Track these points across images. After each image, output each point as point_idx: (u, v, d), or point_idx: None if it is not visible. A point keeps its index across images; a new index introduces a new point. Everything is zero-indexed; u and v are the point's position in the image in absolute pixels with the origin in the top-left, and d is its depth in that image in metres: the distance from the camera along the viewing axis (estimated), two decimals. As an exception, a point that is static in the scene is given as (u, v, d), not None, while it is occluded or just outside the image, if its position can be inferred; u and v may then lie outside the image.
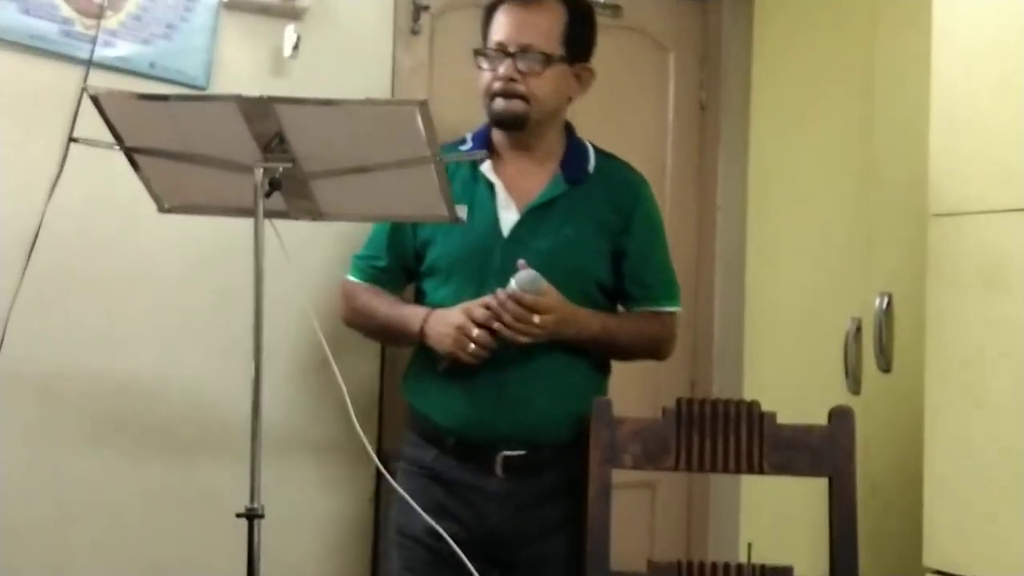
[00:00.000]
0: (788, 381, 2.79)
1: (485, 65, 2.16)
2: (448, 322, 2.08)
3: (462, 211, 1.88)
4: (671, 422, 2.12)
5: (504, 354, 2.08)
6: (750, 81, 2.98)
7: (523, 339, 2.04)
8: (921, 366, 2.07)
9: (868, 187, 2.64)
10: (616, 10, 2.90)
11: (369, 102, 1.82)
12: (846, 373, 2.61)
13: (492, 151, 2.21)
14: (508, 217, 2.16)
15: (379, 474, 2.45)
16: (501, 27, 2.14)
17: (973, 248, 1.95)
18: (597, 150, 2.25)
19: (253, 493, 1.70)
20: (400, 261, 2.24)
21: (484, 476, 2.12)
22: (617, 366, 2.29)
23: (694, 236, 2.97)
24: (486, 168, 2.19)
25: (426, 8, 2.68)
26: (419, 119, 1.67)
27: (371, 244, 2.27)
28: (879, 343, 2.54)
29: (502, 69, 2.12)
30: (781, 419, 2.12)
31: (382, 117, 1.74)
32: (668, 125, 3.02)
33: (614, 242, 2.17)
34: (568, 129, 2.25)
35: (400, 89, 2.63)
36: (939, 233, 2.01)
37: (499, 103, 2.13)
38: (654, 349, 2.25)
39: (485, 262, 2.11)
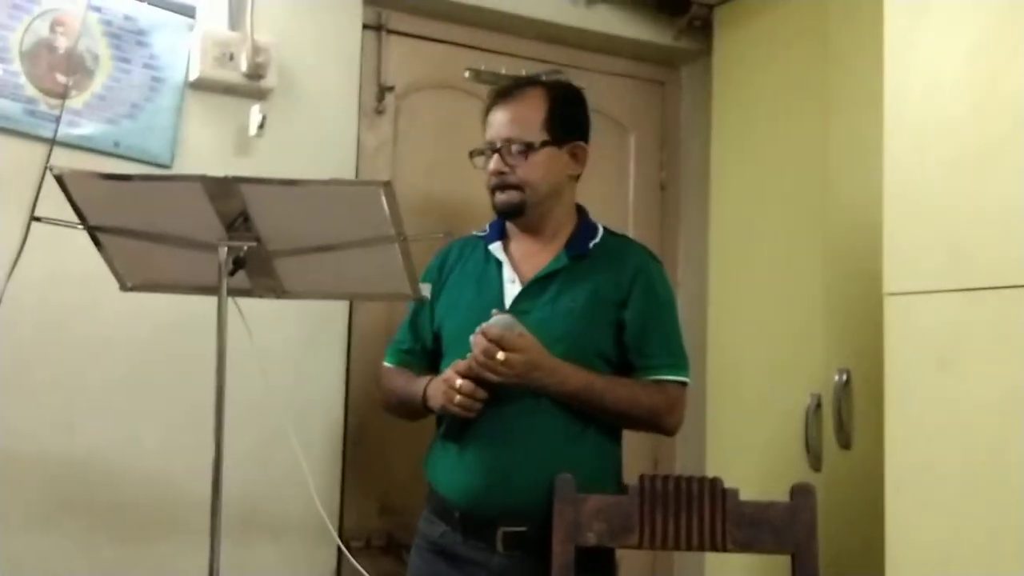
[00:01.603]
0: (750, 458, 2.79)
1: (480, 164, 2.24)
2: (439, 379, 2.13)
3: (425, 290, 1.89)
4: (635, 499, 2.12)
5: (507, 425, 2.09)
6: (708, 161, 3.04)
7: (492, 377, 2.05)
8: (881, 442, 2.08)
9: (826, 265, 2.66)
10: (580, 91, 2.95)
11: (333, 182, 1.84)
12: (807, 450, 2.62)
13: (505, 235, 2.29)
14: (512, 290, 2.20)
15: (340, 553, 2.43)
16: (490, 126, 2.22)
17: (926, 327, 1.97)
18: (608, 231, 2.31)
19: (213, 574, 1.67)
20: (422, 342, 2.31)
21: (487, 552, 2.11)
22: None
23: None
24: (495, 248, 2.26)
25: (390, 89, 2.73)
26: (383, 199, 1.69)
27: (401, 329, 2.36)
28: (838, 419, 2.55)
29: (492, 164, 2.19)
30: (743, 496, 2.13)
31: (347, 197, 1.75)
32: (629, 204, 3.08)
33: (615, 313, 2.19)
34: (580, 211, 2.31)
35: (365, 168, 2.67)
36: (893, 312, 2.03)
37: (497, 196, 2.20)
38: (653, 419, 2.19)
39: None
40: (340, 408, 2.62)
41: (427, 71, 2.80)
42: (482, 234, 2.30)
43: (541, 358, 2.09)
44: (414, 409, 2.24)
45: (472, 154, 2.26)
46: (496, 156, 2.18)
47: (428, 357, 2.31)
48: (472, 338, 2.06)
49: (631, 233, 2.95)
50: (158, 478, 2.34)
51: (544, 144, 2.19)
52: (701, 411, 2.93)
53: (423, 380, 2.21)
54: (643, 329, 2.20)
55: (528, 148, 2.17)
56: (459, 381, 2.07)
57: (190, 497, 2.15)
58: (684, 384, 2.23)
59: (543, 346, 2.09)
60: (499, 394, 2.09)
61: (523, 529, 2.10)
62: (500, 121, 2.19)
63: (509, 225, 2.28)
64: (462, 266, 2.28)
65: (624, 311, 2.19)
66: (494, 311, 2.08)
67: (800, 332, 2.74)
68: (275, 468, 2.42)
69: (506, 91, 2.24)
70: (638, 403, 2.17)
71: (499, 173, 2.17)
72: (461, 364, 2.08)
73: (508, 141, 2.17)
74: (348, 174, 2.61)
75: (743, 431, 2.88)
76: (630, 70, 3.09)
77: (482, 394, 2.07)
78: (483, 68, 2.85)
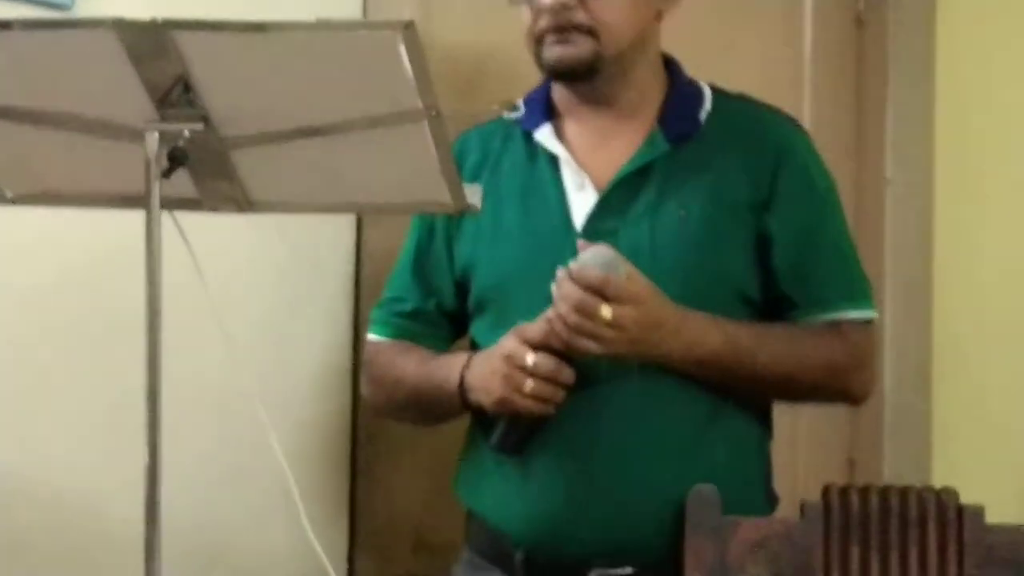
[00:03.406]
0: (1000, 463, 2.81)
1: None
2: (494, 356, 2.13)
3: (474, 194, 1.90)
4: (816, 523, 2.13)
5: (600, 419, 2.11)
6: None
7: (591, 346, 2.05)
8: None
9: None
10: None
11: (324, 25, 1.84)
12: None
13: (554, 113, 2.27)
14: (583, 201, 2.21)
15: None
16: None
17: None
18: (719, 91, 2.30)
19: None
20: (436, 299, 2.33)
21: None
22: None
23: (849, 226, 2.98)
24: (544, 135, 2.25)
25: None
26: (403, 51, 1.68)
27: (392, 283, 2.37)
28: None
29: None
30: (991, 517, 2.13)
31: (345, 49, 1.74)
32: (805, 54, 3.05)
33: (755, 223, 2.20)
34: (670, 66, 2.31)
35: (376, 2, 2.68)
36: None
37: (552, 48, 2.18)
38: (832, 382, 2.23)
39: (551, 275, 2.11)
40: (345, 390, 2.66)
41: None
42: (516, 115, 2.29)
43: (663, 310, 2.10)
44: (439, 408, 2.27)
45: None
46: None
47: (448, 323, 2.33)
48: (555, 288, 2.06)
49: (808, 103, 2.97)
50: (70, 501, 2.40)
51: None
52: (924, 386, 2.93)
53: (454, 358, 2.23)
54: (804, 244, 2.21)
55: None
56: (532, 357, 2.07)
57: (116, 528, 2.20)
58: (871, 323, 2.26)
59: (660, 291, 2.10)
60: (588, 373, 2.10)
61: (629, 572, 2.13)
62: None
63: (561, 97, 2.28)
64: (492, 171, 2.28)
65: (768, 218, 2.20)
66: (581, 243, 2.09)
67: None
68: (247, 485, 2.48)
69: None
70: (807, 360, 2.18)
71: (560, 8, 2.16)
72: (532, 329, 2.08)
73: None
74: (351, 12, 2.63)
75: (988, 418, 2.89)
76: None
77: (569, 375, 2.08)
78: None
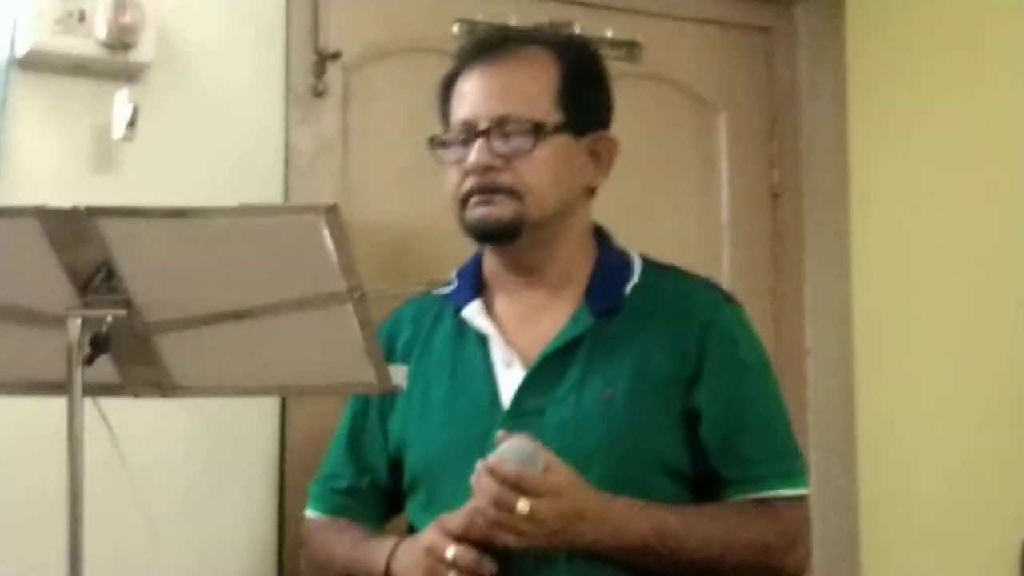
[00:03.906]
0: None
1: (450, 158, 2.22)
2: (417, 547, 2.10)
3: (398, 375, 1.89)
4: None
5: None
6: (846, 153, 3.06)
7: (510, 540, 2.01)
8: None
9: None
10: (632, 49, 2.98)
11: (246, 210, 1.84)
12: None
13: (483, 289, 2.27)
14: (510, 379, 2.19)
15: None
16: (466, 100, 2.22)
17: None
18: (649, 262, 2.30)
19: None
20: (370, 476, 2.30)
21: None
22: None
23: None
24: (473, 312, 2.24)
25: (335, 57, 2.74)
26: (326, 233, 1.69)
27: (329, 457, 2.35)
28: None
29: (473, 156, 2.17)
30: None
31: (268, 233, 1.75)
32: (722, 225, 3.09)
33: (681, 399, 2.19)
34: (599, 235, 2.31)
35: (298, 184, 2.69)
36: None
37: (475, 209, 2.19)
38: (763, 561, 2.17)
39: (480, 455, 2.07)
40: (270, 572, 2.62)
41: (393, 28, 2.83)
42: (446, 290, 2.30)
43: (585, 501, 2.06)
44: None
45: (434, 143, 2.25)
46: (480, 143, 2.18)
47: (383, 501, 2.31)
48: (473, 480, 2.03)
49: (726, 275, 2.98)
50: None
51: (558, 129, 2.20)
52: (852, 551, 2.93)
53: (382, 544, 2.19)
54: (731, 420, 2.19)
55: (535, 131, 2.17)
56: (452, 550, 2.04)
57: None
58: (803, 500, 2.23)
59: (581, 480, 2.06)
60: (515, 561, 2.06)
61: None
62: (485, 91, 2.21)
63: (490, 269, 2.28)
64: (423, 348, 2.28)
65: (696, 393, 2.19)
66: (500, 434, 2.06)
67: (1008, 420, 2.74)
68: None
69: (493, 45, 2.25)
70: (738, 542, 2.14)
71: (484, 169, 2.17)
72: (454, 521, 2.06)
73: (502, 120, 2.18)
74: (273, 195, 2.63)
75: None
76: (716, 13, 3.12)
77: (491, 567, 2.04)
78: (480, 19, 2.88)
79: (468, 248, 2.28)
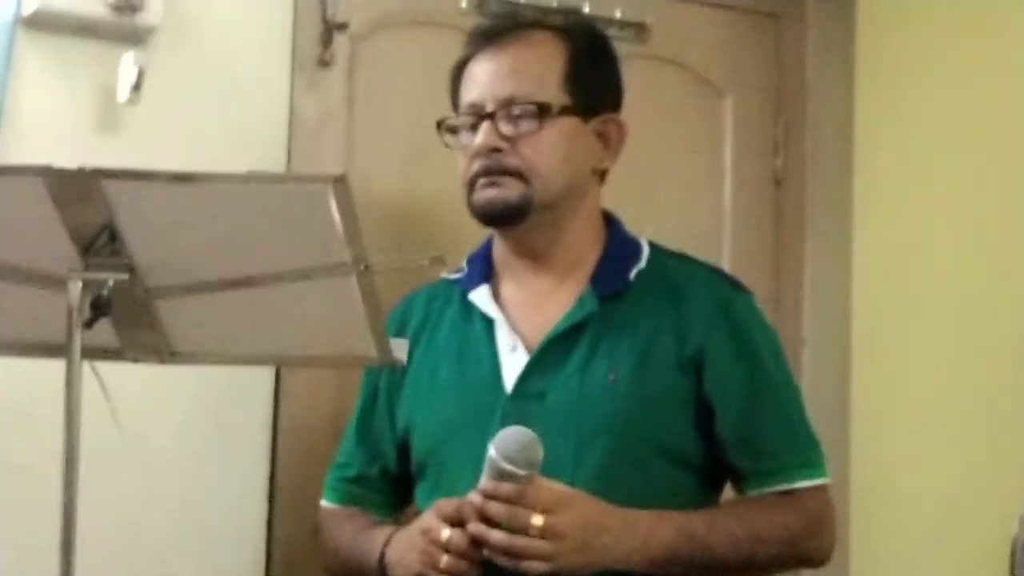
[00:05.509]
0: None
1: (459, 142, 2.23)
2: (413, 530, 2.10)
3: (400, 348, 1.88)
4: None
5: None
6: (851, 140, 3.05)
7: (537, 567, 1.97)
8: None
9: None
10: (640, 30, 2.97)
11: (253, 177, 1.84)
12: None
13: (492, 274, 2.27)
14: (515, 363, 2.19)
15: None
16: (473, 83, 2.23)
17: None
18: (658, 248, 2.30)
19: None
20: (380, 464, 2.31)
21: None
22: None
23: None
24: (480, 296, 2.24)
25: (343, 27, 2.73)
26: (333, 203, 1.69)
27: (342, 447, 2.36)
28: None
29: (480, 138, 2.18)
30: None
31: (274, 201, 1.75)
32: (724, 211, 3.08)
33: (687, 383, 2.18)
34: (609, 222, 2.31)
35: (301, 152, 2.68)
36: None
37: (482, 191, 2.19)
38: (791, 553, 2.18)
39: (482, 438, 2.06)
40: (259, 539, 2.62)
41: (401, 0, 2.82)
42: (457, 276, 2.31)
43: (601, 512, 2.04)
44: None
45: (442, 127, 2.26)
46: (486, 125, 2.18)
47: (392, 489, 2.31)
48: (471, 498, 2.00)
49: (727, 261, 2.97)
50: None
51: (565, 111, 2.20)
52: (841, 549, 2.89)
53: (378, 534, 2.20)
54: (747, 413, 2.18)
55: (541, 113, 2.18)
56: (447, 532, 2.03)
57: None
58: (824, 488, 2.21)
59: (584, 492, 2.04)
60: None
61: None
62: (492, 74, 2.21)
63: (499, 255, 2.29)
64: (432, 331, 2.28)
65: (706, 382, 2.18)
66: (499, 435, 2.00)
67: (1003, 417, 2.74)
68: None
69: (500, 31, 2.26)
70: (763, 536, 2.13)
71: (490, 151, 2.17)
72: (450, 504, 2.04)
73: (508, 102, 2.18)
74: (276, 163, 2.62)
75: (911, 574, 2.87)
76: (724, -1, 3.12)
77: (480, 555, 2.02)
78: (491, -6, 2.88)
79: (472, 222, 2.27)
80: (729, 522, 2.13)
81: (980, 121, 2.86)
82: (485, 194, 2.18)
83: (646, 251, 2.27)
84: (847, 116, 3.09)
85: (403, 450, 2.27)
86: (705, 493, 2.21)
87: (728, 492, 2.25)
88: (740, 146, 3.11)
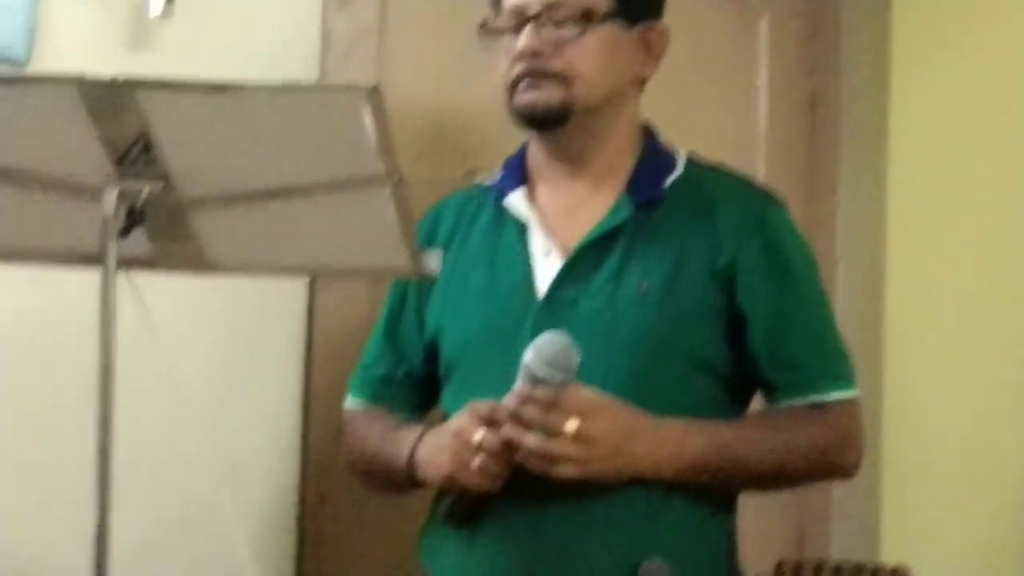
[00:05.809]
0: (952, 539, 2.81)
1: (500, 45, 2.21)
2: (444, 432, 2.12)
3: (434, 260, 1.89)
4: (766, 604, 2.13)
5: (548, 494, 2.05)
6: (889, 60, 3.03)
7: (567, 470, 2.01)
8: None
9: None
10: (678, -51, 2.96)
11: (287, 88, 1.84)
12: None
13: (527, 180, 2.26)
14: (548, 268, 2.19)
15: None
16: None
17: None
18: (694, 161, 2.29)
19: None
20: (406, 366, 2.31)
21: None
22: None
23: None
24: (515, 200, 2.23)
25: (377, -59, 2.73)
26: (367, 116, 1.69)
27: (369, 347, 2.35)
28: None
29: (523, 41, 2.16)
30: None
31: (307, 113, 1.75)
32: (759, 131, 3.08)
33: (719, 294, 2.17)
34: (647, 134, 2.31)
35: (334, 67, 2.68)
36: None
37: (524, 94, 2.17)
38: (822, 464, 2.20)
39: (513, 343, 2.09)
40: (294, 453, 2.64)
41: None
42: (490, 181, 2.29)
43: (631, 419, 2.06)
44: (394, 480, 2.23)
45: (484, 30, 2.24)
46: (529, 28, 2.16)
47: (418, 391, 2.31)
48: (506, 401, 2.02)
49: (761, 181, 2.95)
50: (16, 562, 2.36)
51: (609, 16, 2.18)
52: (874, 461, 2.92)
53: (409, 432, 2.21)
54: (779, 325, 2.18)
55: (585, 17, 2.16)
56: (480, 433, 2.04)
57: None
58: (854, 401, 2.21)
59: (615, 398, 2.06)
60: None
61: None
62: None
63: (535, 159, 2.27)
64: (463, 236, 2.27)
65: (737, 293, 2.18)
66: (535, 341, 2.01)
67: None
68: (192, 547, 2.45)
69: None
70: (793, 448, 2.15)
71: (534, 54, 2.16)
72: (483, 406, 2.05)
73: (553, 5, 2.16)
74: (307, 79, 2.61)
75: (941, 497, 2.88)
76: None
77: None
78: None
79: (504, 138, 2.27)
80: (759, 433, 2.15)
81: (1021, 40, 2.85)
82: (526, 96, 2.16)
83: (682, 162, 2.26)
84: (883, 37, 3.06)
85: (430, 353, 2.27)
86: (734, 404, 2.21)
87: (757, 403, 2.25)
88: (775, 67, 3.10)
